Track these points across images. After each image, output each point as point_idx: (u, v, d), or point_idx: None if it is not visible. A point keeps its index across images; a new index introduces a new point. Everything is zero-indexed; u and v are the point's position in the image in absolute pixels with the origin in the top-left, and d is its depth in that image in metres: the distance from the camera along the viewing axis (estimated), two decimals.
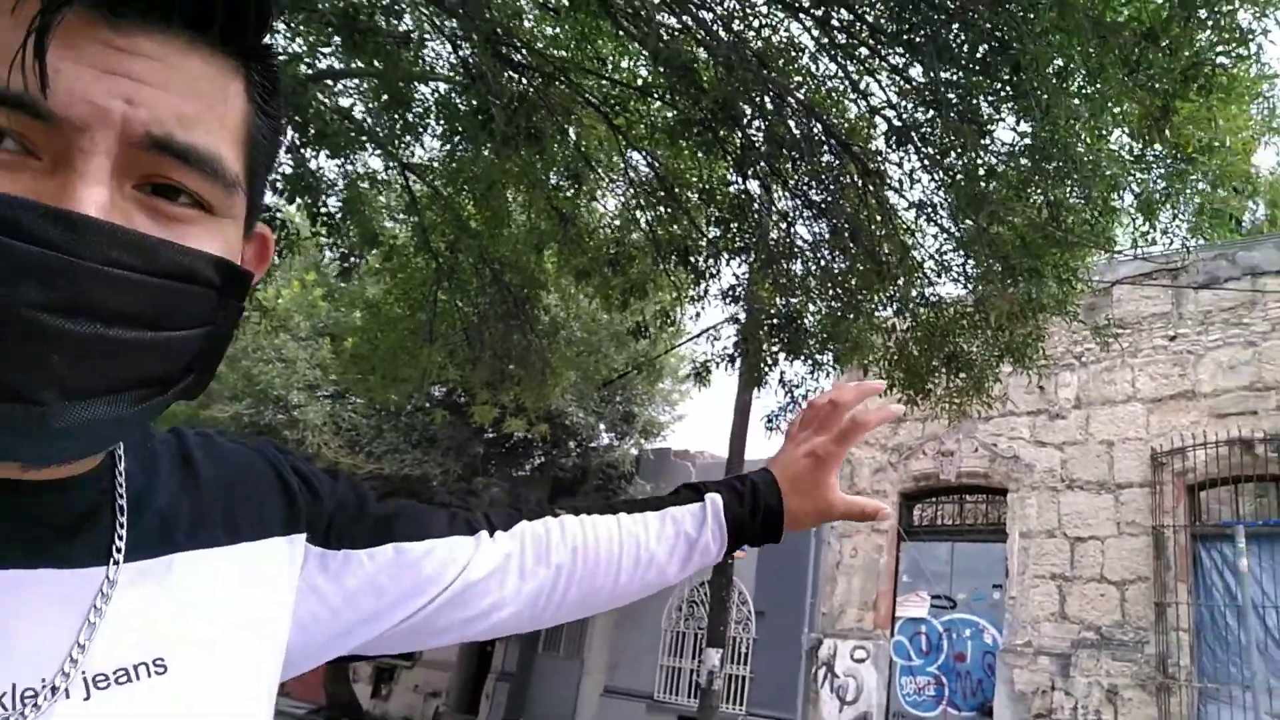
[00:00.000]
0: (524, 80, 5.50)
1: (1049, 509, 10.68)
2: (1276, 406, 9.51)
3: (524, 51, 5.55)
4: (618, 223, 6.93)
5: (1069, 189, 4.92)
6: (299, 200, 5.86)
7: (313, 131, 5.18)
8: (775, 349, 6.98)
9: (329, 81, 6.15)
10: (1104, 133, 4.56)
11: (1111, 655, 9.72)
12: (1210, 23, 3.62)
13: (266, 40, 0.55)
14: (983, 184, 5.23)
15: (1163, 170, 5.25)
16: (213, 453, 0.69)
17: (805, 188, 6.15)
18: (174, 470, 0.65)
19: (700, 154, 6.07)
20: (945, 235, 6.01)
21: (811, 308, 6.92)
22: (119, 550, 0.57)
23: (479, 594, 0.82)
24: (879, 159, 5.58)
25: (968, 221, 5.60)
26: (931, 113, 5.11)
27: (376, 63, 5.05)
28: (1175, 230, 5.13)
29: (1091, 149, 4.65)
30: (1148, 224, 5.29)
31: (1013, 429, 11.25)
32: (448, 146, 6.05)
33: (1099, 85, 3.98)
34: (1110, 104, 4.08)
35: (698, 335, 9.51)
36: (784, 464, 1.00)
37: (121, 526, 0.58)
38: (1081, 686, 9.80)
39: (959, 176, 5.22)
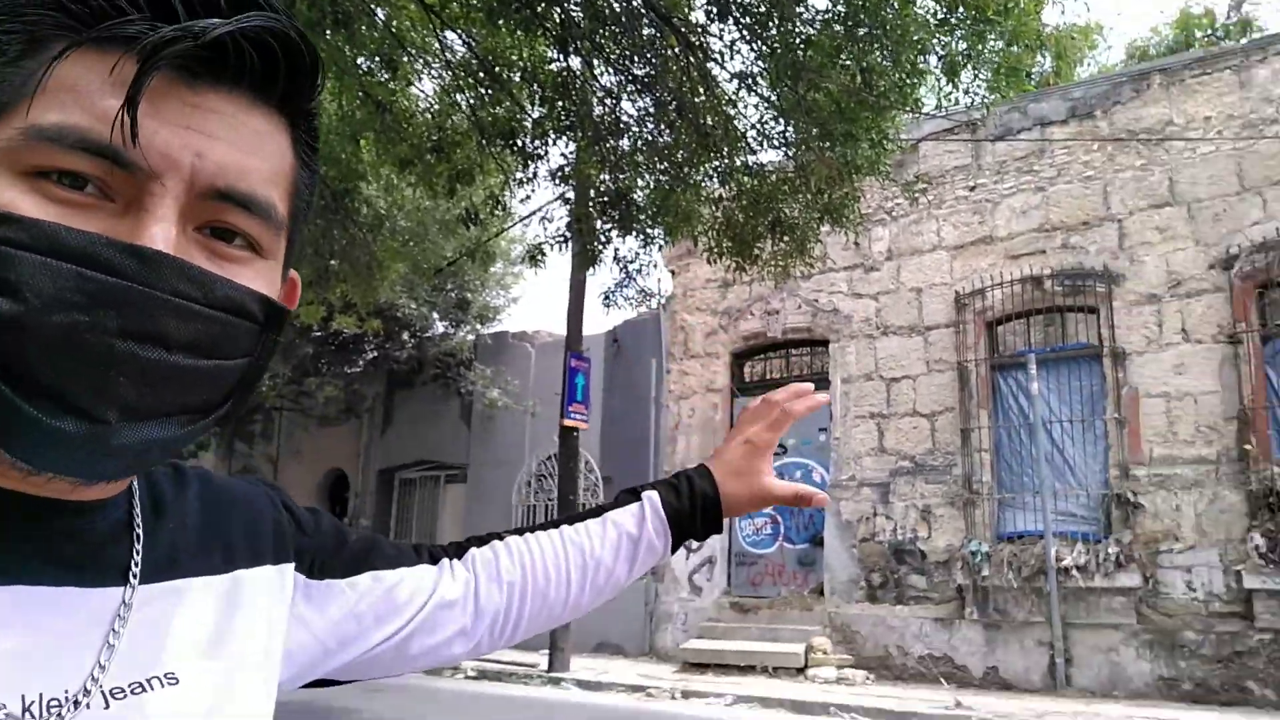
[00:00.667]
0: None
1: (866, 355, 11.49)
2: (1061, 245, 10.48)
3: None
4: (437, 107, 6.64)
5: (879, 54, 5.10)
6: None
7: None
8: (607, 226, 7.03)
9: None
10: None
11: (925, 479, 10.77)
12: None
13: (317, 101, 0.61)
14: (799, 53, 5.35)
15: (964, 32, 5.52)
16: (210, 486, 0.73)
17: (628, 62, 6.09)
18: (177, 500, 0.69)
19: (519, 32, 5.86)
20: (766, 104, 6.14)
21: (640, 183, 6.97)
22: (135, 572, 0.61)
23: (446, 620, 0.87)
24: (699, 31, 5.57)
25: (786, 89, 5.74)
26: None
27: None
28: (975, 89, 5.45)
29: (899, 14, 4.81)
30: (951, 85, 5.58)
31: (832, 284, 11.89)
32: None
33: None
34: None
35: (528, 217, 9.46)
36: (720, 455, 1.05)
37: (138, 551, 0.62)
38: (899, 510, 10.85)
39: (776, 46, 5.31)
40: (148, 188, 0.52)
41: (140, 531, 0.63)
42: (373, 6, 5.24)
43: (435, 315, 14.66)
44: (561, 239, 6.85)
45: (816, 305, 11.97)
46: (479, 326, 15.49)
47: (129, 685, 0.57)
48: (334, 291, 8.25)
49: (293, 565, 0.76)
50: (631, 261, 6.96)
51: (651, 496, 1.01)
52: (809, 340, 12.19)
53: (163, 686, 0.59)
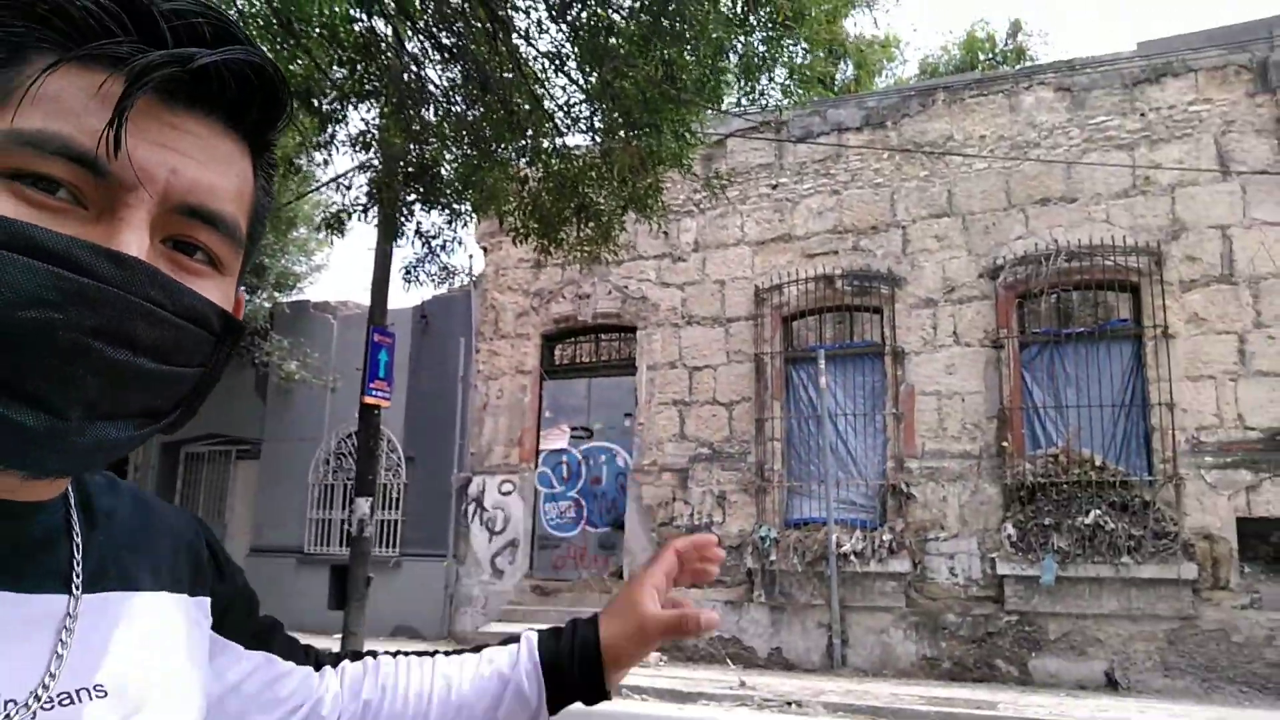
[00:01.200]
0: None
1: (672, 343, 11.79)
2: (852, 247, 11.13)
3: None
4: None
5: (683, 49, 5.22)
6: None
7: None
8: (411, 198, 6.86)
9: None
10: None
11: (721, 466, 11.20)
12: None
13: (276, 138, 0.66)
14: (606, 38, 5.40)
15: (763, 34, 5.75)
16: (141, 502, 0.74)
17: (435, 30, 5.95)
18: (110, 510, 0.69)
19: None
20: (575, 87, 6.16)
21: (448, 156, 6.83)
22: (78, 581, 0.61)
23: None
24: (506, 6, 5.51)
25: (592, 74, 5.78)
26: None
27: None
28: (770, 91, 5.69)
29: (703, 11, 4.95)
30: (749, 84, 5.80)
31: (641, 272, 12.11)
32: None
33: None
34: None
35: (330, 182, 9.00)
36: (609, 604, 0.97)
37: (78, 560, 0.62)
38: (697, 495, 11.23)
39: (582, 31, 5.33)
40: (123, 198, 0.54)
41: (79, 539, 0.63)
42: None
43: None
44: (362, 208, 6.61)
45: (626, 292, 12.16)
46: (277, 294, 14.72)
47: (58, 695, 0.57)
48: None
49: (209, 602, 0.75)
50: (435, 236, 6.80)
51: (530, 636, 0.95)
52: (618, 326, 12.38)
53: (90, 699, 0.59)
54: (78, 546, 0.63)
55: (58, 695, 0.57)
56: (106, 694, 0.60)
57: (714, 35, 4.78)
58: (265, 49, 4.16)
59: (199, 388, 0.61)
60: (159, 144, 0.56)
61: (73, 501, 0.65)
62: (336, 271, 46.87)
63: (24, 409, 0.50)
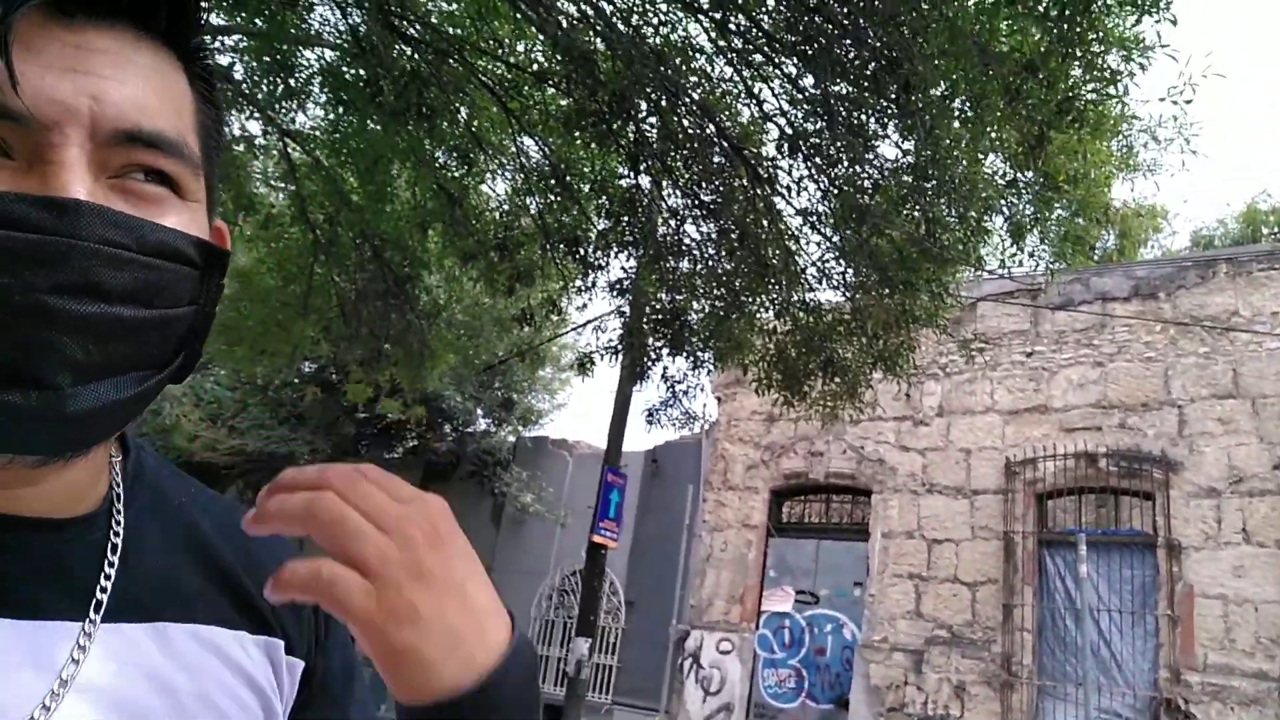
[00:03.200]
0: (416, 54, 5.33)
1: (909, 511, 11.13)
2: (1118, 424, 10.18)
3: (418, 25, 5.38)
4: (506, 207, 6.82)
5: (945, 208, 5.10)
6: None
7: None
8: (658, 344, 7.03)
9: (207, 38, 5.81)
10: (981, 157, 4.75)
11: (961, 653, 10.22)
12: (1083, 60, 3.81)
13: (200, 34, 0.58)
14: (865, 197, 5.38)
15: (1031, 197, 5.52)
16: (233, 528, 0.64)
17: (695, 187, 6.20)
18: (177, 534, 0.63)
19: (593, 145, 6.03)
20: (828, 244, 6.16)
21: (696, 305, 6.99)
22: (99, 608, 0.56)
23: None
24: (769, 164, 5.66)
25: (849, 231, 5.76)
26: (821, 123, 5.21)
27: (259, 22, 4.79)
28: (1040, 254, 5.40)
29: (969, 171, 4.83)
30: (1015, 246, 5.55)
31: (879, 433, 11.67)
32: (331, 116, 5.81)
33: (980, 111, 4.15)
34: (990, 129, 4.25)
35: (583, 325, 9.50)
36: None
37: (108, 575, 0.57)
38: (932, 682, 10.27)
39: (843, 187, 5.35)
40: (47, 140, 0.48)
41: (113, 559, 0.58)
42: (456, 105, 5.45)
43: (480, 411, 14.71)
44: (612, 350, 6.85)
45: (862, 453, 11.72)
46: (521, 428, 15.48)
47: None
48: (383, 374, 8.33)
49: (282, 646, 0.67)
50: (679, 382, 6.91)
51: None
52: (851, 488, 11.89)
53: None
54: (109, 568, 0.57)
55: None
56: None
57: (983, 195, 4.63)
58: (537, 201, 4.47)
59: (194, 327, 0.55)
60: (69, 69, 0.49)
61: (118, 513, 0.59)
62: (572, 412, 49.17)
63: (9, 387, 0.45)
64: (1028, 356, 11.09)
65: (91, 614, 0.55)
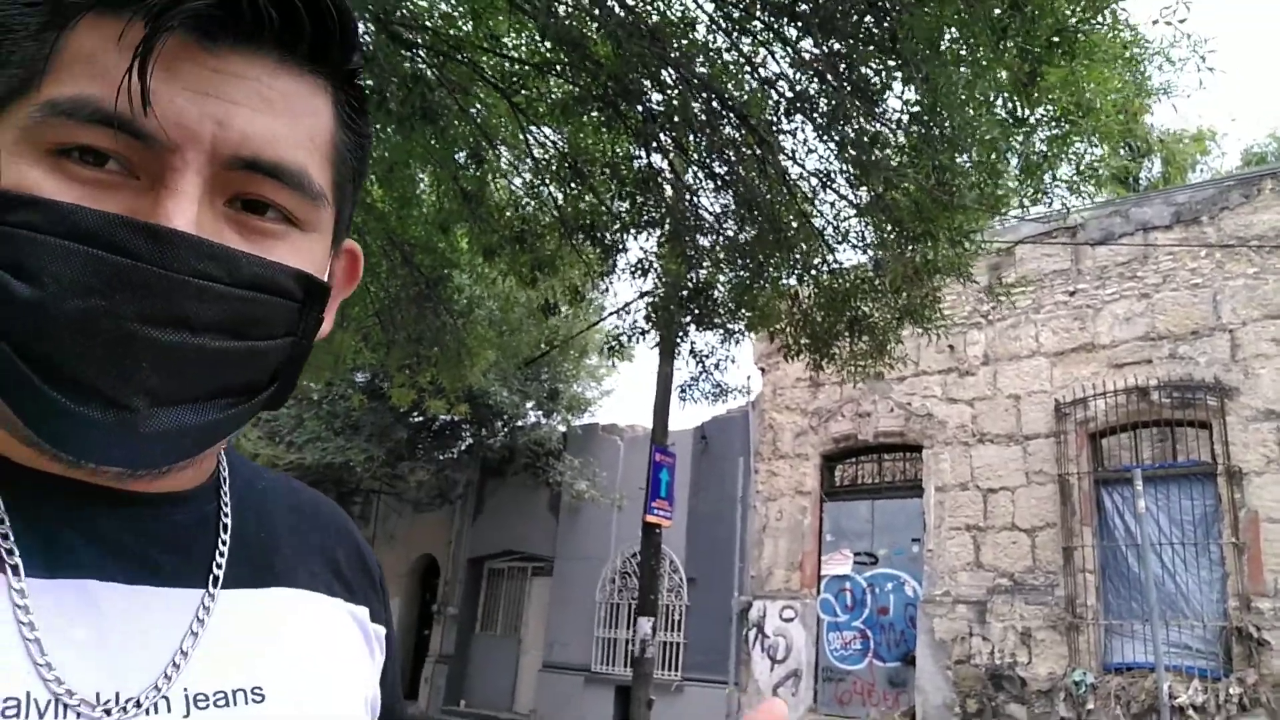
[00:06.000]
0: (419, 58, 5.45)
1: (962, 463, 11.06)
2: (1169, 355, 10.00)
3: (418, 31, 5.49)
4: (526, 200, 6.93)
5: (955, 154, 5.08)
6: None
7: None
8: (686, 320, 7.10)
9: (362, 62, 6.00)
10: (986, 98, 4.73)
11: (1024, 599, 10.16)
12: None
13: (355, 59, 0.58)
14: (875, 152, 5.38)
15: (1046, 134, 5.46)
16: (298, 497, 0.71)
17: (708, 161, 6.24)
18: (284, 511, 0.67)
19: (603, 129, 6.10)
20: (845, 203, 6.16)
21: (720, 278, 7.04)
22: (218, 575, 0.59)
23: None
24: (774, 130, 5.68)
25: (863, 189, 5.76)
26: (824, 84, 5.22)
27: None
28: (1056, 190, 5.35)
29: (976, 114, 4.81)
30: (1031, 186, 5.50)
31: (925, 388, 11.59)
32: None
33: (972, 51, 4.14)
34: (984, 69, 4.23)
35: (619, 310, 9.57)
36: None
37: (222, 552, 0.60)
38: (997, 631, 10.23)
39: (851, 145, 5.36)
40: (168, 161, 0.50)
41: (227, 532, 0.61)
42: (463, 105, 5.56)
43: (530, 404, 14.93)
44: (641, 331, 6.94)
45: (909, 409, 11.66)
46: (570, 417, 15.67)
47: (213, 694, 0.55)
48: (424, 376, 8.52)
49: (367, 613, 0.70)
50: (708, 356, 6.97)
51: None
52: (902, 445, 11.84)
53: (247, 703, 0.56)
54: (223, 540, 0.60)
55: (213, 695, 0.54)
56: (264, 698, 0.57)
57: (988, 137, 4.61)
58: (553, 189, 4.55)
59: (292, 358, 0.56)
60: (201, 93, 0.50)
61: (225, 492, 0.62)
62: (621, 396, 49.34)
63: (87, 401, 0.47)
64: (1071, 296, 10.92)
65: (210, 584, 0.58)
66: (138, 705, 0.51)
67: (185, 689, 0.54)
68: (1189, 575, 9.35)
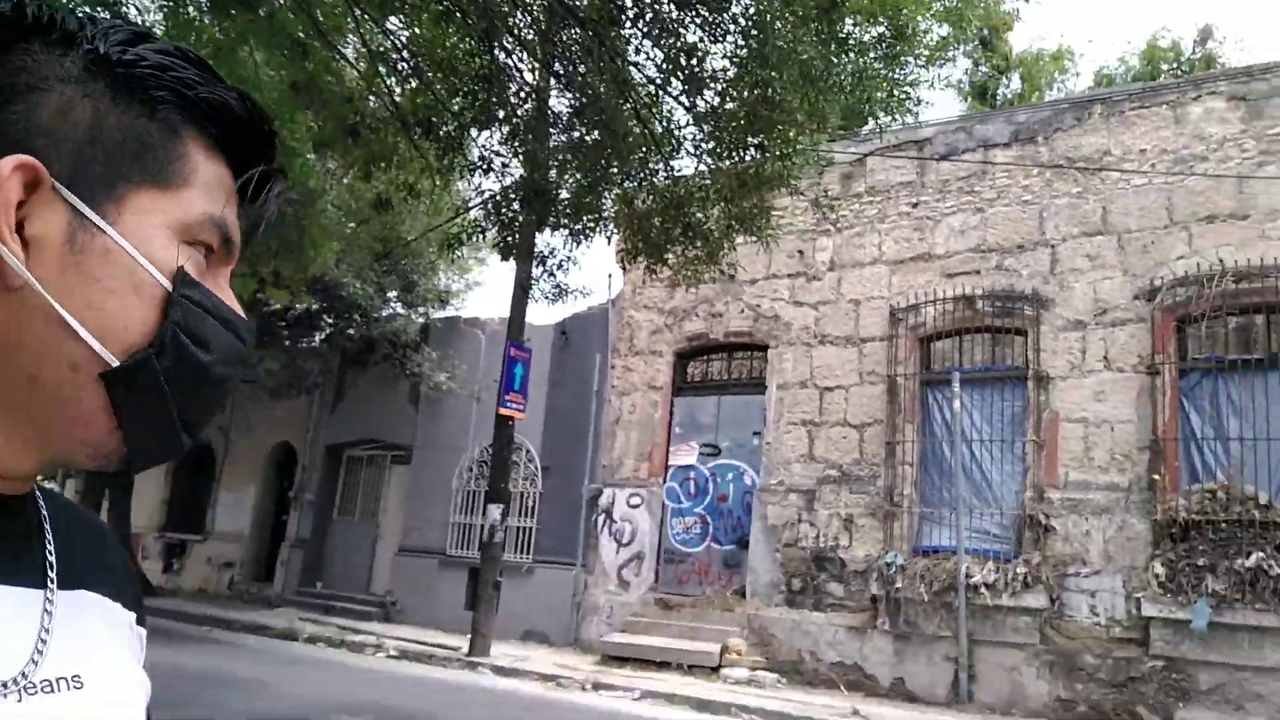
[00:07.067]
0: None
1: (803, 362, 11.66)
2: (996, 266, 10.67)
3: None
4: (362, 93, 6.73)
5: (778, 72, 5.24)
6: None
7: None
8: (532, 219, 7.16)
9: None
10: (804, 19, 4.87)
11: (850, 489, 10.96)
12: None
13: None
14: (706, 65, 5.48)
15: (872, 57, 5.68)
16: (79, 513, 0.77)
17: (550, 59, 6.21)
18: (75, 522, 0.74)
19: (442, 22, 5.97)
20: (680, 110, 6.27)
21: (565, 178, 7.09)
22: (53, 575, 0.65)
23: None
24: (611, 33, 5.70)
25: (699, 99, 5.88)
26: None
27: None
28: (872, 110, 5.60)
29: (794, 34, 4.95)
30: (856, 103, 5.73)
31: (775, 291, 12.05)
32: (165, 8, 5.64)
33: None
34: None
35: (479, 204, 9.45)
36: None
37: (50, 553, 0.66)
38: (823, 518, 11.04)
39: (683, 56, 5.44)
40: (231, 263, 0.68)
41: (51, 536, 0.67)
42: None
43: (390, 295, 14.75)
44: (480, 230, 6.96)
45: (759, 310, 12.13)
46: (430, 309, 15.56)
47: (40, 682, 0.60)
48: (265, 266, 8.33)
49: (135, 618, 0.77)
50: (549, 256, 7.07)
51: None
52: (750, 344, 12.35)
53: (68, 690, 0.61)
54: (49, 543, 0.67)
55: (39, 682, 0.60)
56: (83, 685, 0.63)
57: (803, 57, 4.77)
58: (395, 84, 4.48)
59: None
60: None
61: (41, 501, 0.69)
62: (497, 290, 48.74)
63: (184, 433, 0.63)
64: (913, 207, 11.43)
65: (50, 582, 0.64)
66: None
67: (18, 680, 0.59)
68: (994, 468, 10.26)
